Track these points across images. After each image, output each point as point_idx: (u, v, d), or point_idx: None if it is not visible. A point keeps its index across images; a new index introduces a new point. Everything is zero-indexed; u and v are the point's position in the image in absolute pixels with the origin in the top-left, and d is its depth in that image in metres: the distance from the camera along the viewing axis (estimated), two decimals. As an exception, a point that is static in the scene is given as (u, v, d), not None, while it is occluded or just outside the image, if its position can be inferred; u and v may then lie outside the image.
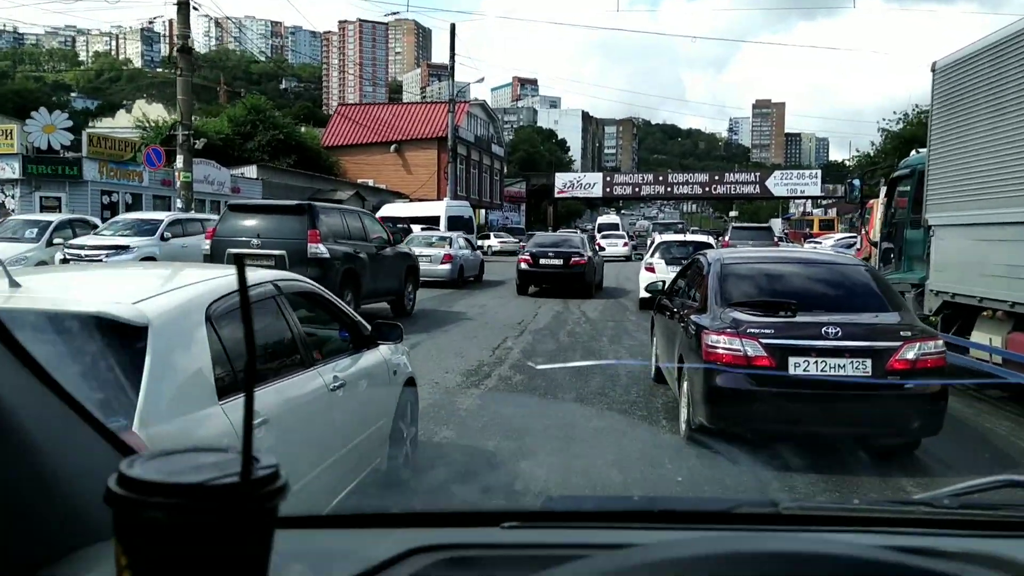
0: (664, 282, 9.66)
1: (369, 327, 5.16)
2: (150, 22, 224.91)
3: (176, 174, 23.87)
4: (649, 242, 29.52)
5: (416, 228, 35.03)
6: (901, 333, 6.11)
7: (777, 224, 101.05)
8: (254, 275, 4.01)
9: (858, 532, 1.28)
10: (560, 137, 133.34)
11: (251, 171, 33.50)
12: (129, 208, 26.10)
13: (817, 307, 6.43)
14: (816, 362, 5.98)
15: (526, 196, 72.43)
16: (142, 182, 27.09)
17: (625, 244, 44.19)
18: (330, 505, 3.68)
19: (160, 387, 2.94)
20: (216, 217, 17.04)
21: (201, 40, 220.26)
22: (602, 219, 63.39)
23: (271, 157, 44.52)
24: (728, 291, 6.76)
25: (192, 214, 22.11)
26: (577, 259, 20.68)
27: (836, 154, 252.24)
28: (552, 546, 1.20)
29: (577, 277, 20.52)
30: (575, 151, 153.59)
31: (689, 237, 21.13)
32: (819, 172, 74.83)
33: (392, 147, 50.72)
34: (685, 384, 6.79)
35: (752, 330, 6.11)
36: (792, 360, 5.99)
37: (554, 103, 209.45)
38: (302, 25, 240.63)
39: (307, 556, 1.11)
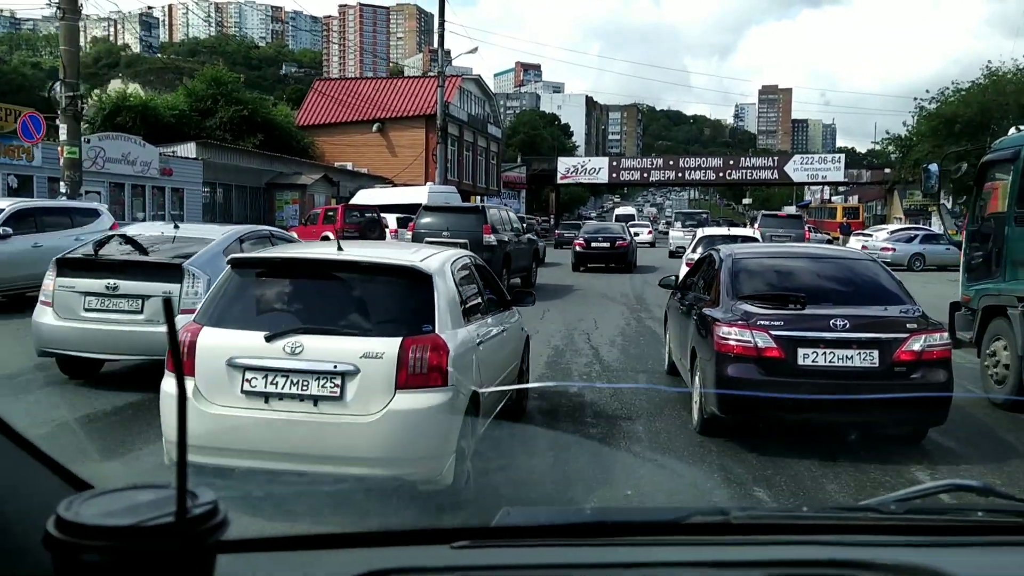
0: (677, 277, 9.71)
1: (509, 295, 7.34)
2: (149, 7, 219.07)
3: (60, 149, 17.85)
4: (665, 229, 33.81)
5: (390, 218, 29.06)
6: (907, 325, 6.17)
7: (792, 212, 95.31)
8: (462, 251, 6.50)
9: (805, 543, 1.28)
10: (563, 122, 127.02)
11: (188, 149, 27.43)
12: (14, 193, 20.12)
13: (826, 300, 6.51)
14: (824, 353, 6.05)
15: (526, 182, 66.16)
16: (32, 160, 20.95)
17: (649, 232, 46.14)
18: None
19: (443, 310, 4.96)
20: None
21: (201, 26, 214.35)
22: (619, 211, 61.17)
23: (235, 136, 38.51)
24: (739, 285, 6.83)
25: (63, 202, 16.15)
26: (621, 242, 26.42)
27: (843, 141, 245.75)
28: (501, 568, 1.19)
29: (621, 256, 25.98)
30: (579, 137, 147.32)
31: (733, 231, 20.30)
32: (842, 157, 68.75)
33: (374, 126, 44.58)
34: (697, 375, 6.80)
35: (762, 322, 6.18)
36: (801, 351, 6.07)
37: (557, 88, 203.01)
38: (302, 10, 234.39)
39: None
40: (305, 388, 4.57)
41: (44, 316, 7.91)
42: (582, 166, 69.28)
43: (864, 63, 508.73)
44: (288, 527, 2.79)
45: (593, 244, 26.43)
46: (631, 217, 54.70)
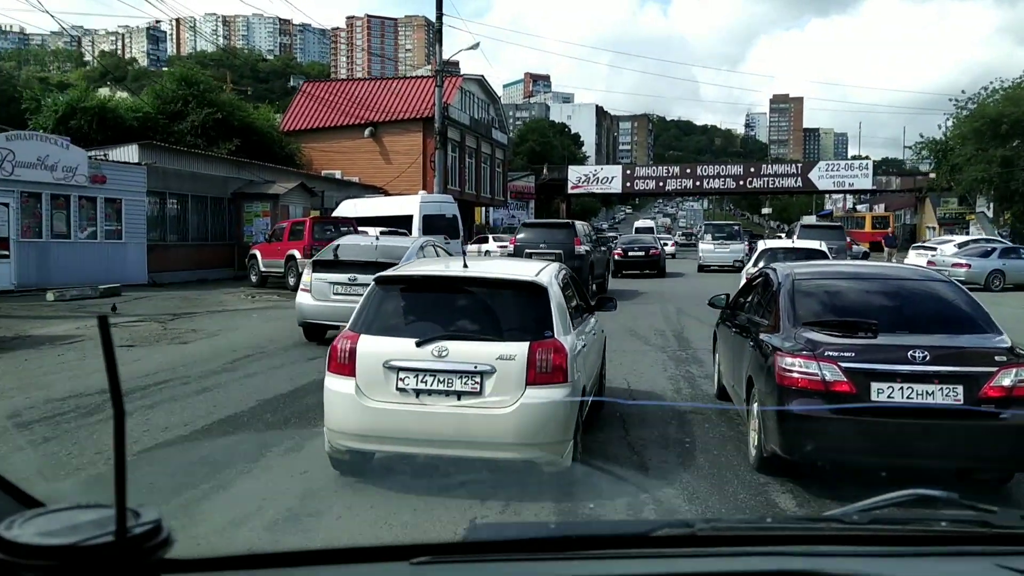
0: (728, 295, 8.84)
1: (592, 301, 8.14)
2: (156, 21, 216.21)
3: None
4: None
5: (370, 231, 24.44)
6: (996, 358, 5.47)
7: (811, 222, 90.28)
8: (561, 265, 7.28)
9: (769, 555, 1.28)
10: (573, 132, 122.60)
11: (128, 152, 22.92)
12: None
13: (901, 328, 5.88)
14: (901, 388, 5.37)
15: (535, 192, 61.60)
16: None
17: (673, 244, 48.50)
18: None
19: (557, 318, 5.67)
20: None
21: (209, 40, 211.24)
22: (639, 223, 59.57)
23: (209, 142, 34.11)
24: (802, 309, 6.18)
25: None
26: (654, 251, 30.81)
27: (854, 149, 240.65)
28: None
29: (654, 262, 30.35)
30: (589, 147, 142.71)
31: (798, 243, 18.71)
32: (870, 163, 63.81)
33: (367, 131, 40.07)
34: (755, 407, 6.13)
35: (830, 352, 5.52)
36: (875, 386, 5.40)
37: (567, 99, 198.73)
38: (311, 23, 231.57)
39: None
40: (450, 385, 5.40)
41: (305, 298, 12.11)
42: (594, 175, 64.80)
43: (874, 72, 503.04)
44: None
45: (630, 253, 30.54)
46: (651, 230, 52.39)
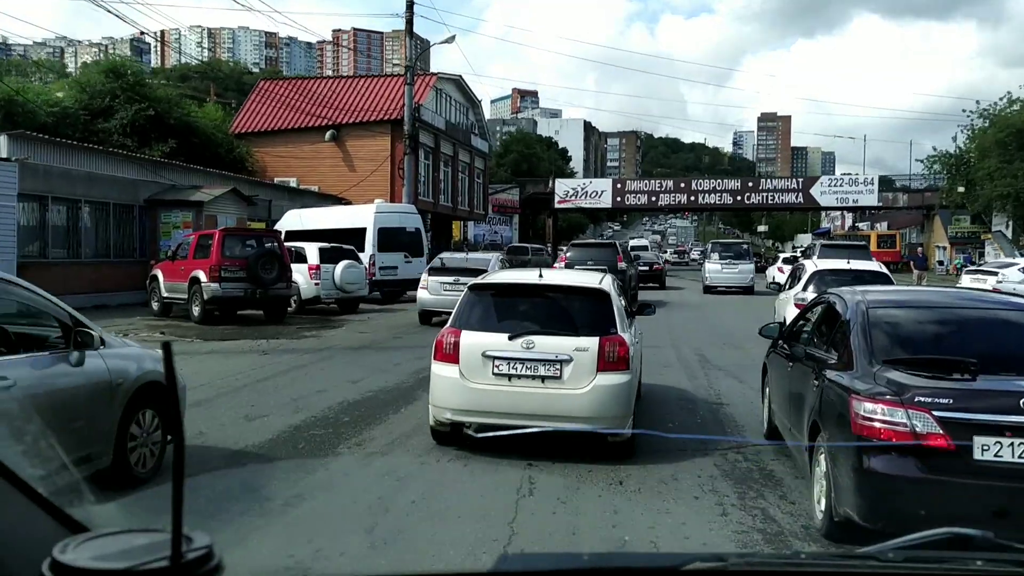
0: (781, 323, 8.23)
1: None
2: (141, 32, 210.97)
3: None
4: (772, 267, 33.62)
5: (310, 248, 19.57)
6: None
7: (807, 240, 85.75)
8: (610, 275, 8.38)
9: None
10: (561, 146, 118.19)
11: (-9, 145, 17.86)
12: None
13: (1005, 368, 4.90)
14: (1012, 444, 4.35)
15: (520, 206, 56.78)
16: None
17: (666, 262, 47.38)
18: None
19: (618, 318, 7.04)
20: None
21: (194, 52, 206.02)
22: (633, 242, 54.78)
23: (141, 143, 29.16)
24: (883, 344, 5.24)
25: None
26: (657, 265, 34.90)
27: (841, 168, 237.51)
28: None
29: (658, 275, 33.74)
30: (577, 162, 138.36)
31: (854, 265, 15.29)
32: (875, 178, 59.34)
33: (328, 134, 35.15)
34: (823, 459, 5.14)
35: (921, 398, 4.54)
36: (979, 440, 4.39)
37: (555, 114, 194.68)
38: (297, 36, 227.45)
39: None
40: (536, 371, 6.74)
41: (424, 294, 17.16)
42: (583, 189, 60.03)
43: (859, 92, 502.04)
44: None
45: (639, 267, 29.84)
46: (644, 248, 48.91)
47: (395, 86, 35.61)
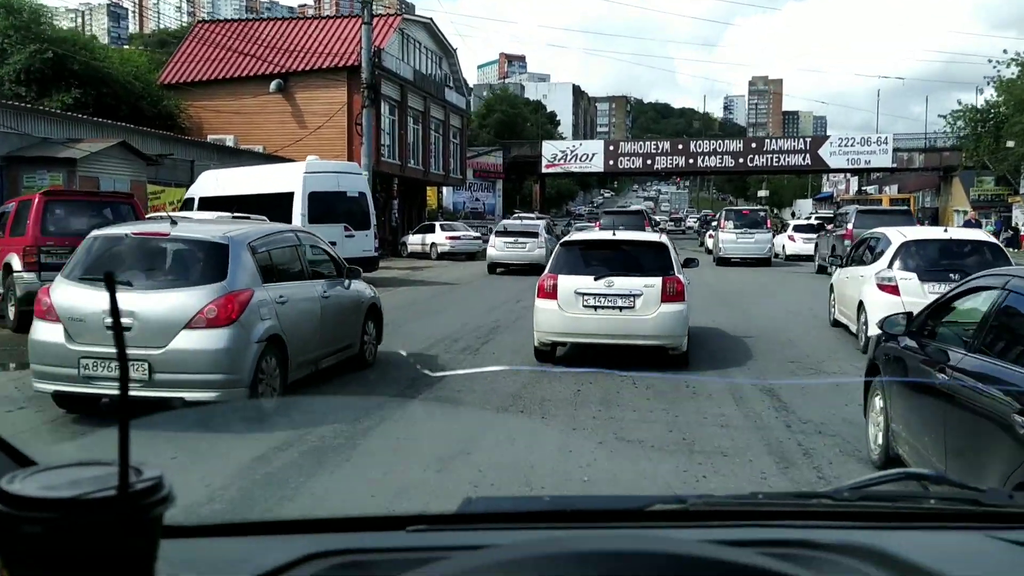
0: (909, 315, 5.68)
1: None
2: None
3: None
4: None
5: (196, 217, 14.33)
6: None
7: (807, 206, 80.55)
8: (664, 234, 13.30)
9: (759, 527, 1.28)
10: (549, 110, 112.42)
11: None
12: None
13: None
14: None
15: (504, 171, 51.35)
16: None
17: (661, 231, 48.23)
18: None
19: (675, 263, 9.45)
20: None
21: (172, 17, 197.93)
22: (632, 207, 49.75)
23: (41, 93, 23.73)
24: None
25: None
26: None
27: (833, 132, 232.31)
28: (457, 548, 1.15)
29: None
30: (566, 127, 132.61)
31: (958, 234, 12.06)
32: (889, 137, 53.97)
33: (273, 84, 29.64)
34: None
35: None
36: None
37: (543, 78, 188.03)
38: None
39: (197, 564, 1.06)
40: (615, 303, 8.93)
41: (492, 251, 23.89)
42: (572, 151, 54.65)
43: (849, 55, 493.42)
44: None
45: None
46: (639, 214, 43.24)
47: (353, 28, 30.11)
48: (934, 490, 1.46)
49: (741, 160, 53.78)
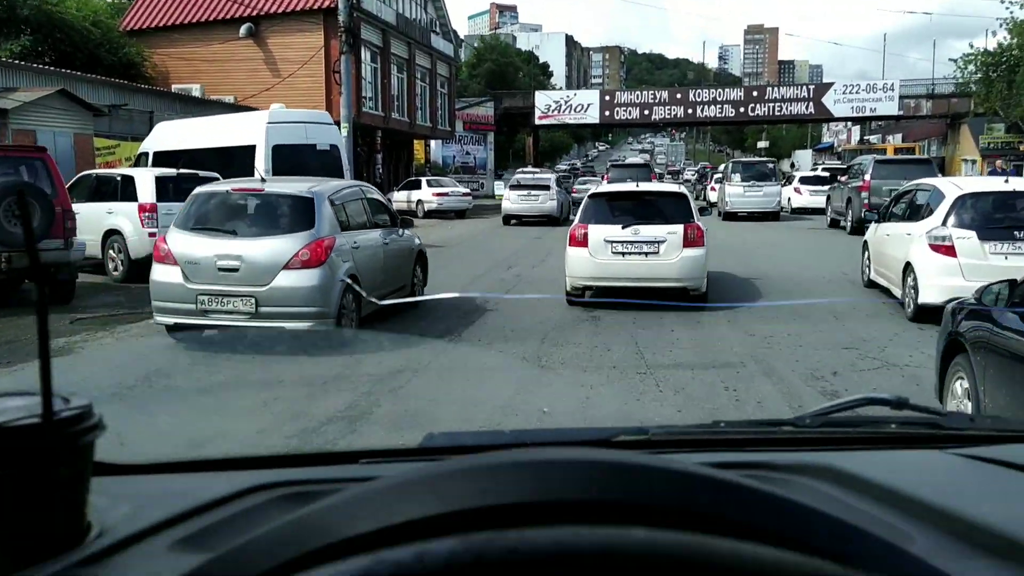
0: (1013, 282, 4.58)
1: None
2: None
3: None
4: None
5: (141, 179, 12.43)
6: None
7: (807, 157, 78.23)
8: (683, 185, 16.42)
9: (720, 452, 1.28)
10: (542, 61, 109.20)
11: None
12: None
13: None
14: None
15: (495, 123, 49.03)
16: None
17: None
18: None
19: (695, 212, 10.31)
20: None
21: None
22: (629, 159, 45.72)
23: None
24: None
25: None
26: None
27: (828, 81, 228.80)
28: None
29: None
30: (559, 78, 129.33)
31: (1016, 186, 10.23)
32: (896, 83, 51.64)
33: (243, 28, 27.30)
34: None
35: None
36: None
37: (536, 29, 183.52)
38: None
39: (136, 498, 1.00)
40: (641, 249, 9.73)
41: (507, 204, 25.12)
42: (567, 102, 52.25)
43: (842, 3, 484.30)
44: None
45: None
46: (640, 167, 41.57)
47: (329, -33, 27.66)
48: (896, 415, 1.46)
49: (742, 109, 51.52)
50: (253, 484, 1.02)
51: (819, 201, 27.30)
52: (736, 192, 25.93)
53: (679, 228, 9.75)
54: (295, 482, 1.05)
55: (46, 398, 0.71)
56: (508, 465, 0.62)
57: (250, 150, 14.86)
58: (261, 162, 14.68)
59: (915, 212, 10.33)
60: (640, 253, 9.76)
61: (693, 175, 67.69)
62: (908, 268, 9.47)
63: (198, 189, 8.33)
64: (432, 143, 41.90)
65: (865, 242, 12.09)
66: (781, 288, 11.48)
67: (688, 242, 9.70)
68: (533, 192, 24.47)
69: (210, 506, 0.96)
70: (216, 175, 12.71)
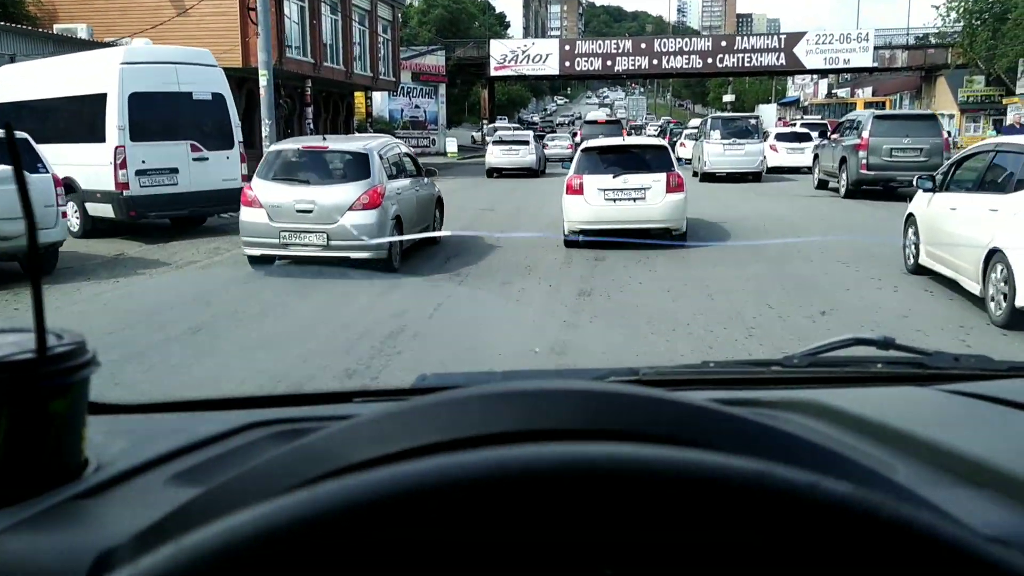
0: None
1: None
2: None
3: None
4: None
5: None
6: None
7: (771, 113, 74.89)
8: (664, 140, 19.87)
9: (708, 390, 1.28)
10: (498, 12, 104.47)
11: None
12: None
13: None
14: None
15: (446, 74, 44.91)
16: None
17: None
18: None
19: (675, 162, 11.68)
20: None
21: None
22: (589, 115, 41.98)
23: None
24: None
25: None
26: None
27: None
28: None
29: None
30: (516, 30, 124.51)
31: None
32: (870, 33, 48.41)
33: (142, -42, 22.95)
34: None
35: None
36: None
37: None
38: None
39: (131, 435, 1.02)
40: (630, 196, 10.76)
41: (491, 158, 26.41)
42: (524, 51, 48.26)
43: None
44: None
45: None
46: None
47: None
48: (883, 355, 1.46)
49: (709, 60, 48.11)
50: (248, 422, 1.03)
51: (797, 160, 25.47)
52: (716, 151, 23.13)
53: (662, 176, 10.88)
54: (290, 419, 1.06)
55: (39, 333, 0.71)
56: (514, 395, 0.62)
57: (100, 100, 11.04)
58: (115, 116, 10.88)
59: (1000, 182, 7.74)
60: (629, 199, 10.87)
61: (655, 131, 64.24)
62: (993, 256, 7.10)
63: (275, 146, 10.30)
64: (377, 96, 37.76)
65: (910, 215, 9.46)
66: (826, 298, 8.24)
67: (671, 188, 10.85)
68: (514, 147, 26.27)
69: (206, 442, 0.97)
70: (26, 135, 8.93)
